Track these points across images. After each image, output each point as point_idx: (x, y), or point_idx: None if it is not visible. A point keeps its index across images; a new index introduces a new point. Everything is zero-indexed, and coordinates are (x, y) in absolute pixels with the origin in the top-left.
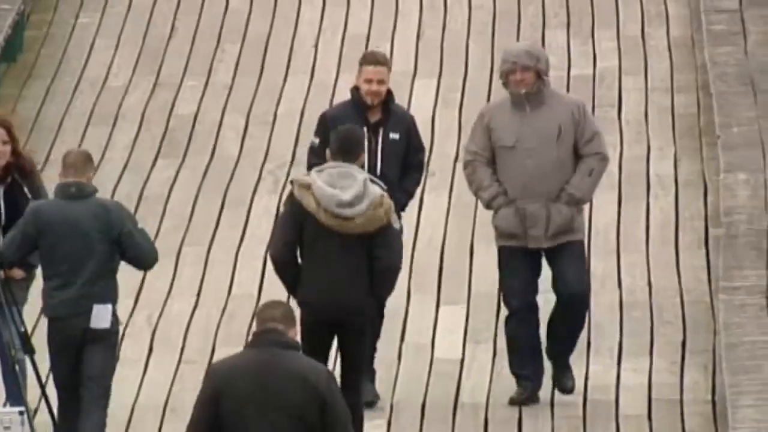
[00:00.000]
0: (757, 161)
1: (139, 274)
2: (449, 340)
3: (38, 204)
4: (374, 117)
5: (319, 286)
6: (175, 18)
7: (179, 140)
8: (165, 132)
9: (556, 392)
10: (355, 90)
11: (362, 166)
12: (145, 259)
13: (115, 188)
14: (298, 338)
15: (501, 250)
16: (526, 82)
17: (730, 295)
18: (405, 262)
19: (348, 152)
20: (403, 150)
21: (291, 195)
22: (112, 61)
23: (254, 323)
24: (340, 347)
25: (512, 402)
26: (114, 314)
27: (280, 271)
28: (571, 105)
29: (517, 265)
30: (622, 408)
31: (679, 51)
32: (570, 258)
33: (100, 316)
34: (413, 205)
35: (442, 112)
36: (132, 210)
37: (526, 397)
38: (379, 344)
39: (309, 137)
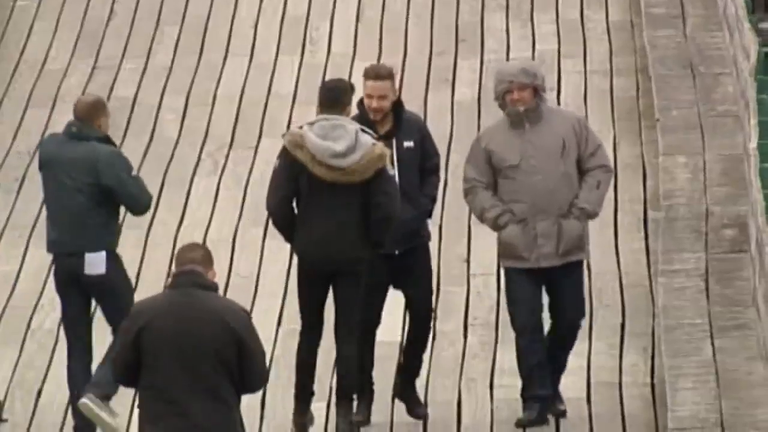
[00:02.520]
0: (696, 144)
1: None
2: (388, 323)
3: (48, 136)
4: (384, 127)
5: (314, 238)
6: (113, 0)
7: (118, 122)
8: None
9: (496, 372)
10: (360, 103)
11: (354, 119)
12: (134, 207)
13: None
14: (216, 280)
15: (508, 271)
16: (524, 100)
17: (669, 278)
18: None
19: (334, 104)
20: (418, 156)
21: (284, 148)
22: (50, 44)
23: (173, 265)
24: (334, 299)
25: (518, 424)
26: (113, 259)
27: (277, 224)
28: (572, 119)
29: (524, 288)
30: (562, 391)
31: (619, 34)
32: (572, 284)
33: (94, 263)
34: None
35: None
36: None
37: (533, 419)
38: None
39: (249, 118)
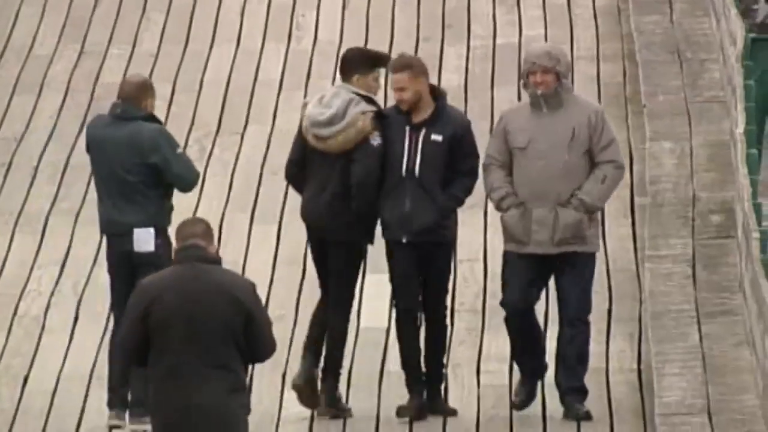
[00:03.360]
0: (682, 130)
1: (65, 242)
2: (375, 308)
3: (94, 117)
4: (419, 117)
5: (306, 204)
6: None
7: (105, 109)
8: (90, 101)
9: (483, 357)
10: None
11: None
12: (180, 185)
13: (41, 156)
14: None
15: (505, 254)
16: (546, 84)
17: (656, 264)
18: None
19: (342, 72)
20: (444, 153)
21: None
22: (37, 30)
23: (175, 240)
24: (328, 266)
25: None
26: (163, 237)
27: (291, 186)
28: (589, 110)
29: (516, 271)
30: (549, 377)
31: (605, 19)
32: (575, 277)
33: (142, 240)
34: None
35: None
36: (57, 179)
37: (518, 403)
38: (304, 314)
39: (235, 105)
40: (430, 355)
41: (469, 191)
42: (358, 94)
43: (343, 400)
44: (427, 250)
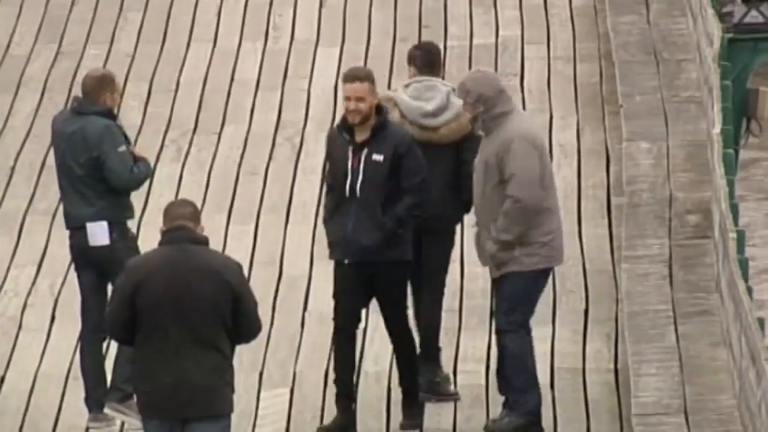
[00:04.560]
0: (659, 130)
1: (41, 242)
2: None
3: (58, 112)
4: (361, 137)
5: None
6: None
7: None
8: (67, 100)
9: (459, 357)
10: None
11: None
12: (112, 181)
13: (18, 156)
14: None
15: None
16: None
17: (632, 264)
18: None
19: (429, 65)
20: (386, 172)
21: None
22: (14, 29)
23: (162, 222)
24: (423, 258)
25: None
26: (118, 231)
27: None
28: (503, 139)
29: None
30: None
31: (582, 20)
32: (499, 296)
33: (96, 234)
34: (316, 167)
35: None
36: (34, 179)
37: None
38: (281, 314)
39: (212, 105)
40: (404, 374)
41: (411, 209)
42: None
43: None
44: (375, 269)
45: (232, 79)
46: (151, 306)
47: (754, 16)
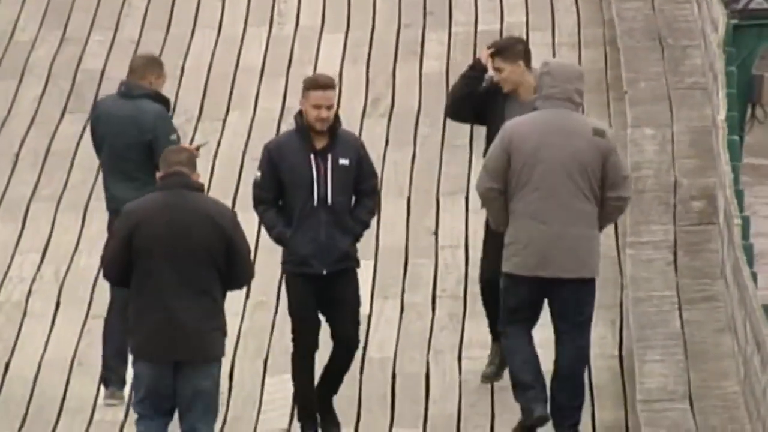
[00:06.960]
0: (664, 116)
1: (46, 229)
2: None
3: (102, 97)
4: (321, 143)
5: None
6: None
7: (86, 95)
8: (72, 87)
9: (464, 344)
10: (300, 116)
11: None
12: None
13: (23, 143)
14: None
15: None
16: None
17: (637, 250)
18: None
19: (528, 60)
20: (353, 176)
21: None
22: (18, 16)
23: (160, 168)
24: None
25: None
26: None
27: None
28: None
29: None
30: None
31: (587, 6)
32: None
33: None
34: None
35: (349, 67)
36: (39, 166)
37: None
38: (285, 300)
39: (216, 91)
40: (335, 385)
41: (372, 213)
42: None
43: None
44: (336, 278)
45: (236, 66)
46: (146, 249)
47: (759, 2)
